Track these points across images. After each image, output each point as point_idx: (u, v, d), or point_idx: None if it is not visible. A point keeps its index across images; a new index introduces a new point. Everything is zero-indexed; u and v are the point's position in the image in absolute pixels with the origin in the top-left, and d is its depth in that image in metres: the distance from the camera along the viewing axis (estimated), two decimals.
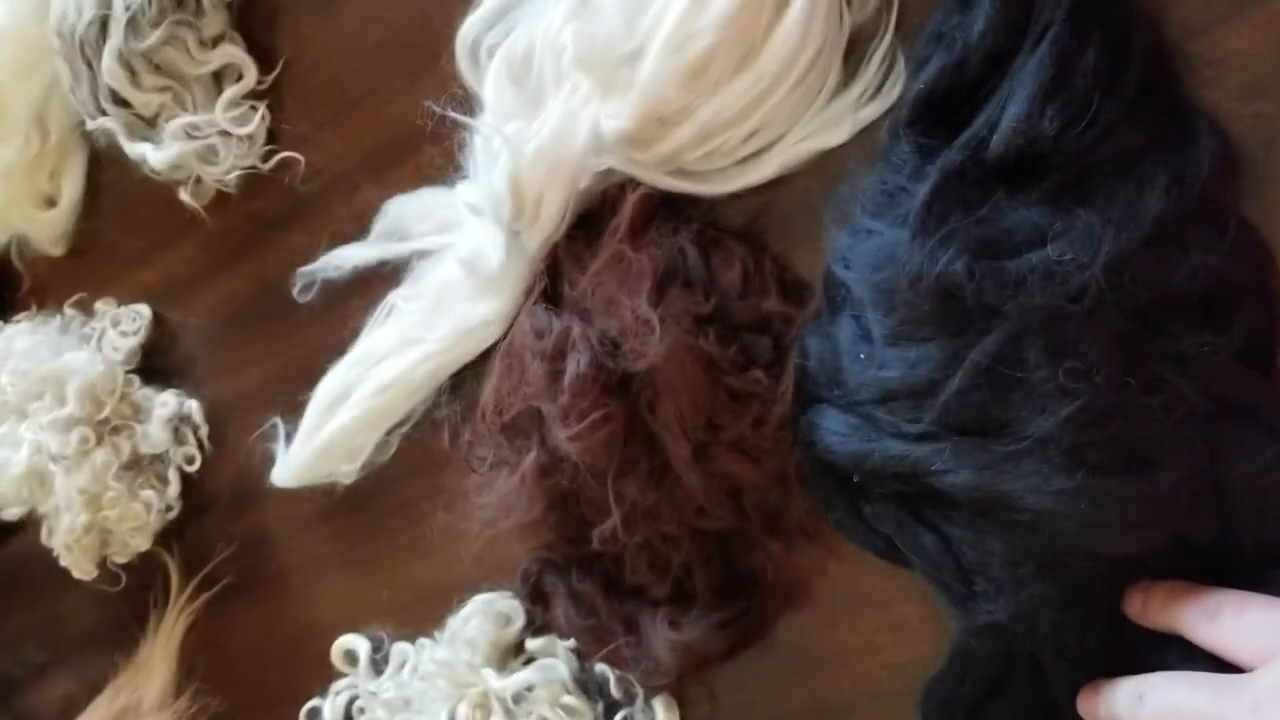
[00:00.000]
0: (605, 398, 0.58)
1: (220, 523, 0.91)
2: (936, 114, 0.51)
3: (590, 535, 0.63)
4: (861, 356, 0.51)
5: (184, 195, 0.85)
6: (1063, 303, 0.45)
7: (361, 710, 0.77)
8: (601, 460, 0.59)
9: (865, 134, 0.59)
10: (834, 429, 0.53)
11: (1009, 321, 0.46)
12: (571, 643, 0.69)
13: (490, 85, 0.65)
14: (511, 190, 0.62)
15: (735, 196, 0.63)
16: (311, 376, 0.79)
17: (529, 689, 0.68)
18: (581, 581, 0.67)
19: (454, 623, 0.72)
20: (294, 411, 0.80)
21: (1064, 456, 0.46)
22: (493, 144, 0.64)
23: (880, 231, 0.51)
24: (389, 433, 0.78)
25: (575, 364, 0.58)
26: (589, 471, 0.60)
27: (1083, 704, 0.49)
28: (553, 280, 0.64)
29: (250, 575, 0.90)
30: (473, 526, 0.68)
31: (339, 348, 0.79)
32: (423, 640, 0.74)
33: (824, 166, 0.60)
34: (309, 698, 0.82)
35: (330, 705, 0.79)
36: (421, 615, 0.76)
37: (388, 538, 0.80)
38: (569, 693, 0.68)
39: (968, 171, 0.49)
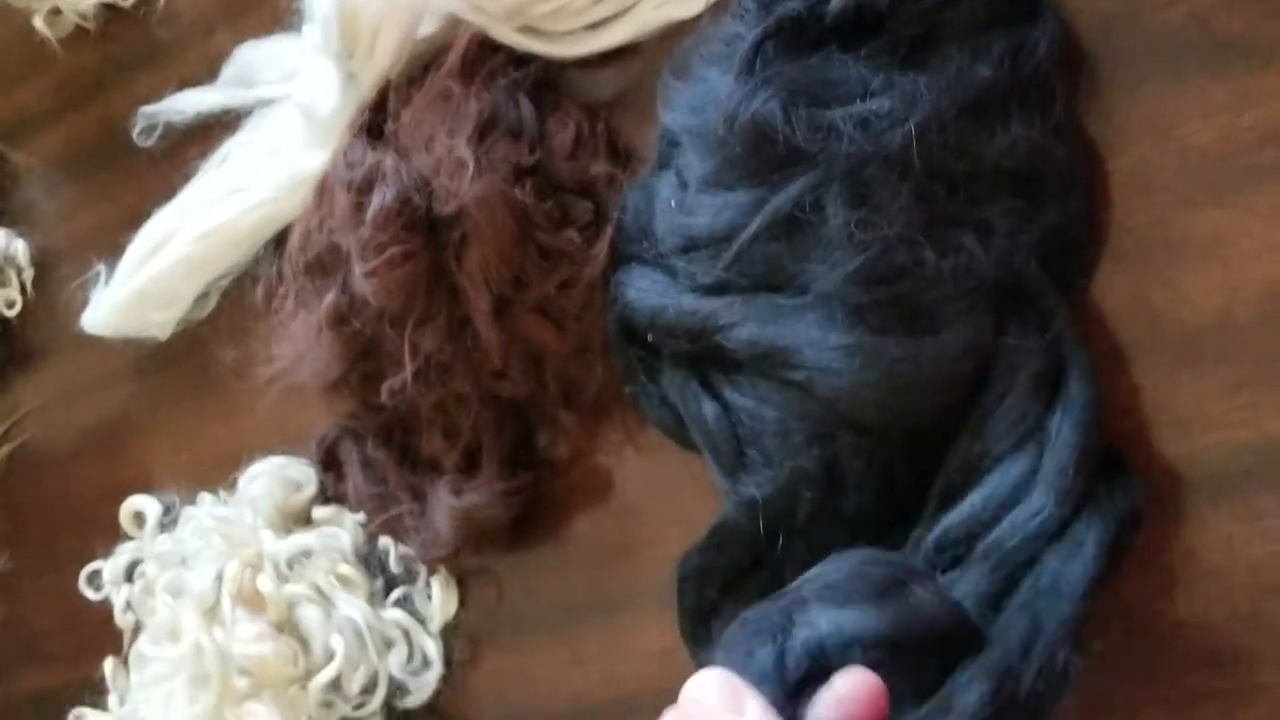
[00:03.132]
0: (408, 235, 0.54)
1: (32, 373, 0.86)
2: None
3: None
4: (673, 204, 0.49)
5: (38, 23, 0.82)
6: (870, 153, 0.42)
7: (143, 574, 0.73)
8: (398, 302, 0.55)
9: (719, 6, 0.56)
10: (636, 284, 0.51)
11: (816, 169, 0.44)
12: (360, 517, 0.66)
13: None
14: (341, 17, 0.58)
15: (584, 63, 0.61)
16: (142, 224, 0.75)
17: (307, 555, 0.65)
18: (376, 450, 0.64)
19: (241, 481, 0.68)
20: (120, 259, 0.76)
21: (846, 313, 0.43)
22: None
23: (709, 78, 0.48)
24: (208, 286, 0.74)
25: (381, 197, 0.54)
26: (386, 317, 0.57)
27: None
28: (383, 122, 0.61)
29: (55, 431, 0.85)
30: (268, 378, 0.65)
31: (173, 196, 0.75)
32: (205, 495, 0.70)
33: (676, 39, 0.58)
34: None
35: (110, 566, 0.75)
36: (218, 479, 0.72)
37: (193, 399, 0.76)
38: (347, 563, 0.64)
39: (806, 25, 0.47)
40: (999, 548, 0.40)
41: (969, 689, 0.35)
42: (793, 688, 0.35)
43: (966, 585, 0.40)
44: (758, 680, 0.35)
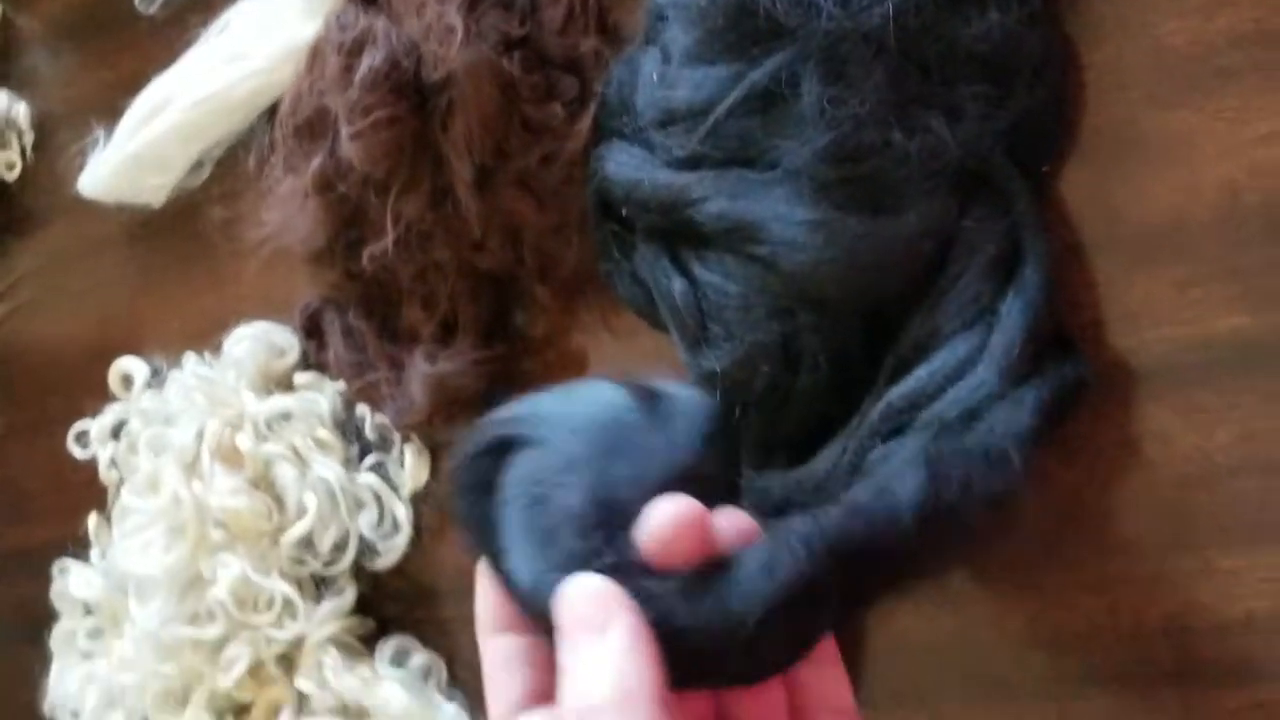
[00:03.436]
0: (395, 99, 0.55)
1: (29, 237, 0.88)
2: None
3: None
4: (655, 77, 0.49)
5: None
6: (849, 29, 0.43)
7: (129, 433, 0.75)
8: (382, 168, 0.56)
9: None
10: (615, 158, 0.52)
11: (795, 45, 0.44)
12: (340, 385, 0.67)
13: None
14: None
15: None
16: (140, 91, 0.76)
17: (286, 417, 0.66)
18: (357, 320, 0.65)
19: (226, 344, 0.70)
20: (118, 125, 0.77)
21: (813, 189, 0.44)
22: None
23: None
24: (203, 154, 0.75)
25: (370, 60, 0.55)
26: (370, 184, 0.58)
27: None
28: None
29: (49, 293, 0.87)
30: (255, 243, 0.66)
31: (173, 63, 0.75)
32: (190, 355, 0.71)
33: None
34: None
35: (97, 425, 0.77)
36: (205, 344, 0.74)
37: (184, 266, 0.78)
38: (324, 427, 0.66)
39: None
40: (939, 419, 0.42)
41: (905, 477, 0.36)
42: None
43: (905, 451, 0.42)
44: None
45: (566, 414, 0.37)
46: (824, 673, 0.38)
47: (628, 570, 0.34)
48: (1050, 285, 0.43)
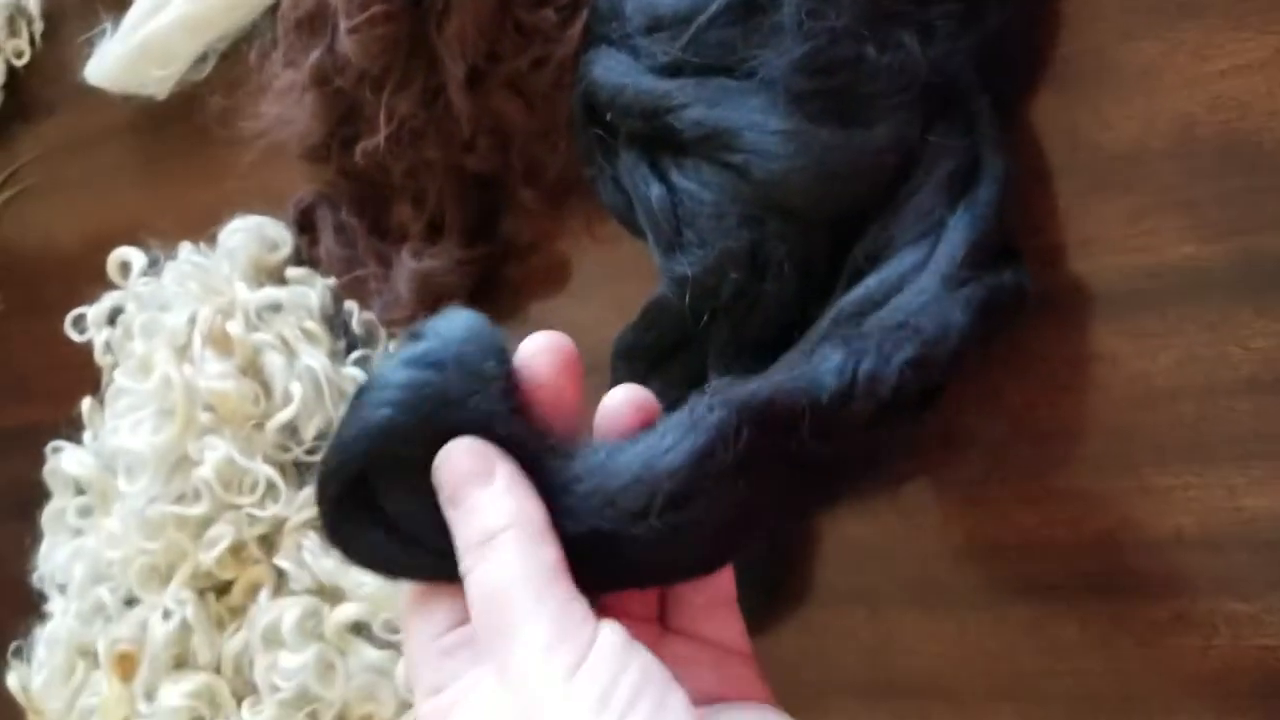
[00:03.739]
0: None
1: (36, 124, 0.89)
2: None
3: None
4: None
5: None
6: None
7: (125, 318, 0.77)
8: (378, 65, 0.58)
9: None
10: (602, 63, 0.53)
11: None
12: (331, 281, 0.69)
13: None
14: None
15: None
16: None
17: (276, 308, 0.68)
18: (349, 217, 0.67)
19: (221, 235, 0.72)
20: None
21: (787, 100, 0.46)
22: None
23: None
24: (207, 47, 0.76)
25: None
26: (365, 80, 0.59)
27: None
28: None
29: (52, 180, 0.88)
30: (253, 134, 0.67)
31: None
32: (186, 244, 0.73)
33: None
34: None
35: (94, 311, 0.78)
36: (201, 235, 0.75)
37: (184, 158, 0.79)
38: (313, 320, 0.68)
39: None
40: (880, 324, 0.43)
41: (826, 354, 0.37)
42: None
43: None
44: None
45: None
46: None
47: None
48: (1000, 202, 0.44)
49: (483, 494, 0.35)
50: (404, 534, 0.36)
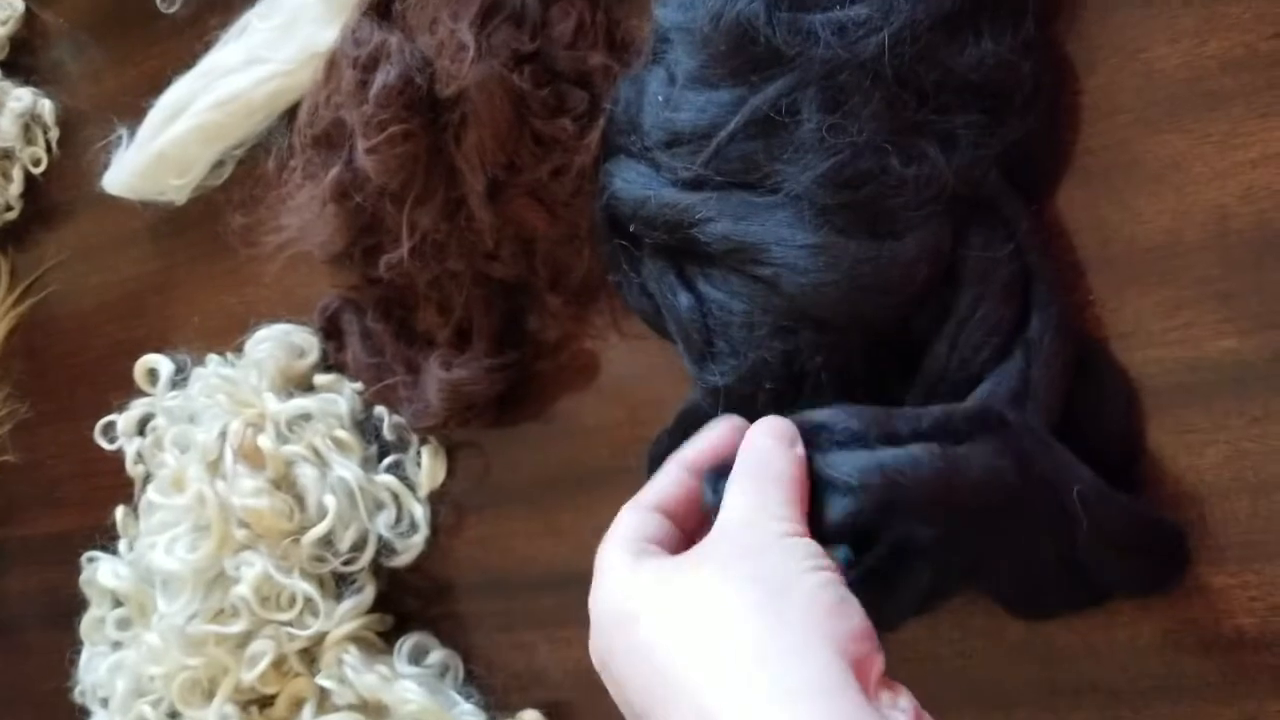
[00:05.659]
0: (409, 114, 0.56)
1: (56, 230, 0.90)
2: None
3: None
4: (660, 99, 0.50)
5: None
6: (845, 59, 0.44)
7: (154, 428, 0.77)
8: (397, 180, 0.58)
9: None
10: (623, 175, 0.53)
11: (794, 72, 0.45)
12: (359, 386, 0.69)
13: None
14: None
15: None
16: (164, 89, 0.77)
17: (306, 418, 0.68)
18: (375, 322, 0.67)
19: (248, 345, 0.72)
20: (141, 123, 0.78)
21: (814, 213, 0.46)
22: None
23: None
24: (224, 154, 0.76)
25: (385, 75, 0.57)
26: (386, 194, 0.59)
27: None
28: (391, 1, 0.62)
29: (75, 285, 0.89)
30: (275, 247, 0.67)
31: (193, 63, 0.77)
32: (213, 356, 0.73)
33: None
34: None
35: (124, 419, 0.79)
36: (227, 342, 0.76)
37: (206, 264, 0.79)
38: (343, 428, 0.68)
39: None
40: None
41: None
42: None
43: None
44: None
45: None
46: None
47: None
48: (1067, 308, 0.44)
49: (784, 450, 0.43)
50: None
